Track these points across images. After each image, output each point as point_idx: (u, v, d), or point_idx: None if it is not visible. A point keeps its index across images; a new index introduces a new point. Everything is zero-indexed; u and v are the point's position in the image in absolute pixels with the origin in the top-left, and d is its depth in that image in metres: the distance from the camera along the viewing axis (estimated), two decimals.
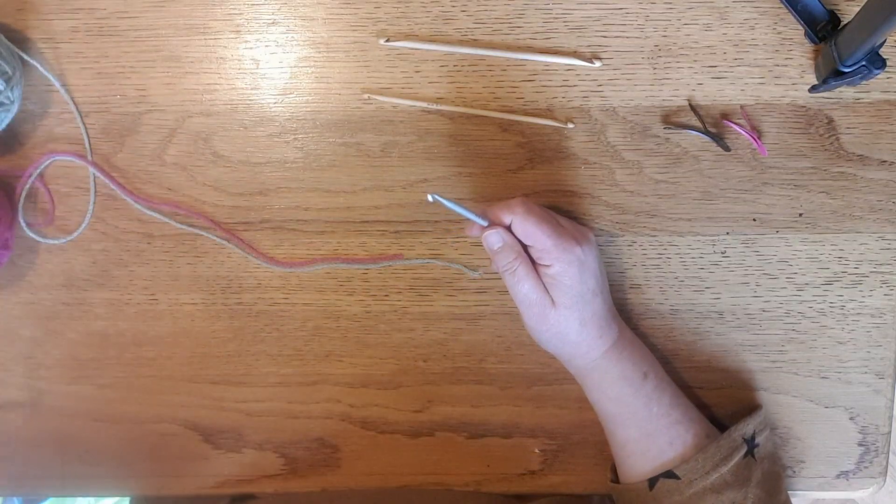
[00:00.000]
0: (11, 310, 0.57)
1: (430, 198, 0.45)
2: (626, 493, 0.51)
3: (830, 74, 0.48)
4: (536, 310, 0.48)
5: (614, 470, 0.54)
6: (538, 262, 0.47)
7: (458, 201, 0.46)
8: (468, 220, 0.48)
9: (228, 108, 0.53)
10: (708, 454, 0.48)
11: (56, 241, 0.56)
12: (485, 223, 0.48)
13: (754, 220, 0.54)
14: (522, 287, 0.47)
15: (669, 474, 0.48)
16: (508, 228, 0.47)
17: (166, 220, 0.55)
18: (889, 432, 0.57)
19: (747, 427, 0.50)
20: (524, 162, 0.53)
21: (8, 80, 0.49)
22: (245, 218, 0.55)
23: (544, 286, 0.47)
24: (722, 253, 0.54)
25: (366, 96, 0.53)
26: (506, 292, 0.55)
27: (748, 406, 0.56)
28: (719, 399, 0.56)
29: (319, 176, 0.54)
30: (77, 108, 0.54)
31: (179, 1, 0.52)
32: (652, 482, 0.48)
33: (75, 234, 0.56)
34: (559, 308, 0.47)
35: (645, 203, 0.54)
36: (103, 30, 0.53)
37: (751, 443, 0.50)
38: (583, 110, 0.52)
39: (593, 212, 0.54)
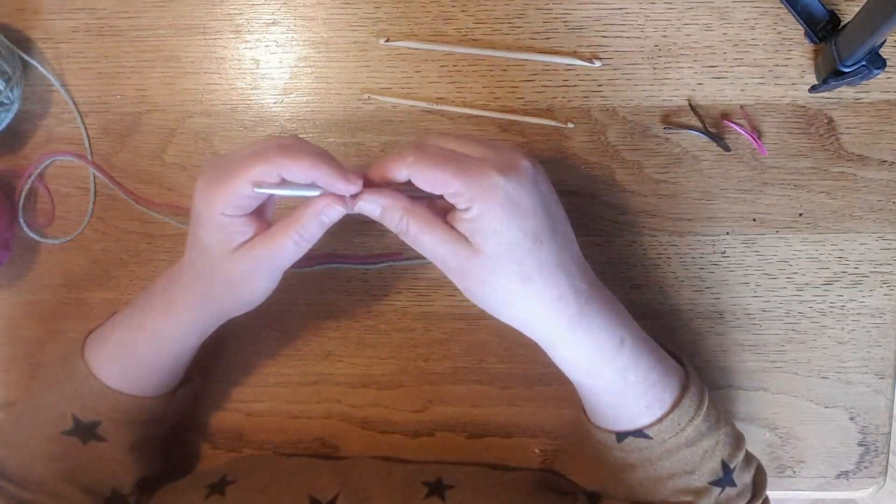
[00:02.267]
0: (11, 310, 0.57)
1: (255, 190, 0.39)
2: (594, 435, 0.48)
3: (830, 74, 0.48)
4: (453, 264, 0.39)
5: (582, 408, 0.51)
6: (457, 208, 0.39)
7: (288, 185, 0.39)
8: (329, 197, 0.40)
9: (228, 108, 0.53)
10: (683, 409, 0.44)
11: (56, 241, 0.56)
12: (352, 189, 0.39)
13: (754, 220, 0.54)
14: (424, 243, 0.39)
15: (640, 434, 0.45)
16: (408, 184, 0.39)
17: (166, 220, 0.55)
18: (889, 432, 0.57)
19: (693, 373, 0.48)
20: None
21: (8, 80, 0.49)
22: None
23: (458, 234, 0.39)
24: (722, 253, 0.54)
25: (366, 96, 0.53)
26: None
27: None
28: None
29: None
30: (77, 108, 0.54)
31: (179, 1, 0.52)
32: (620, 437, 0.46)
33: (75, 234, 0.56)
34: (483, 256, 0.38)
35: (645, 203, 0.54)
36: (103, 30, 0.53)
37: (702, 385, 0.47)
38: (583, 110, 0.52)
39: (593, 212, 0.54)
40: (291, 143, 0.39)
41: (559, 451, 0.58)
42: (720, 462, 0.45)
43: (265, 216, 0.43)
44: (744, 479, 0.46)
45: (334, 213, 0.40)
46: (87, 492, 0.49)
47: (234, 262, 0.41)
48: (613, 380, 0.44)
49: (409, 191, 0.40)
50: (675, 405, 0.45)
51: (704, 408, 0.45)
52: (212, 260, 0.42)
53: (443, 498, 0.49)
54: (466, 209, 0.38)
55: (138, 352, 0.47)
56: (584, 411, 0.50)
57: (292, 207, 0.41)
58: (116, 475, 0.50)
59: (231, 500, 0.49)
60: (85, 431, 0.48)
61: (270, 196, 0.43)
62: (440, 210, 0.40)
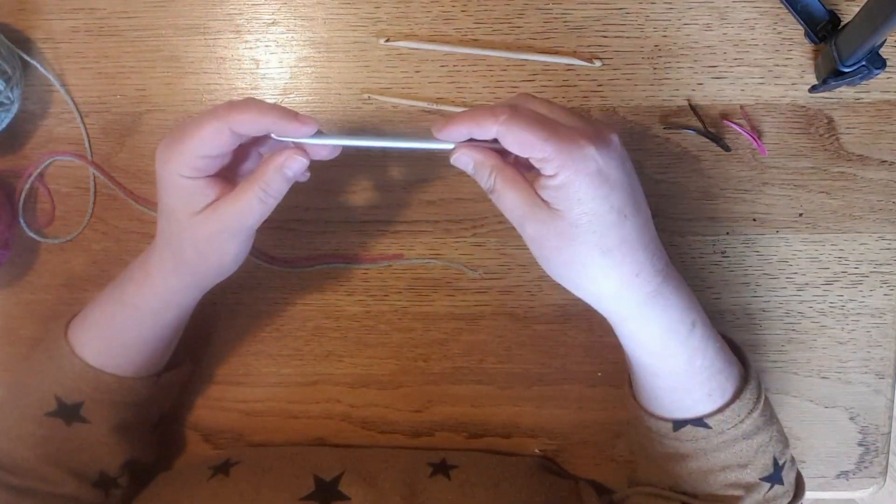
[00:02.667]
0: (11, 310, 0.57)
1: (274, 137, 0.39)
2: (646, 420, 0.47)
3: (830, 74, 0.48)
4: (531, 229, 0.38)
5: (631, 383, 0.49)
6: (542, 174, 0.38)
7: (416, 137, 0.40)
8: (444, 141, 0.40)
9: None
10: (744, 400, 0.44)
11: (56, 241, 0.56)
12: (451, 146, 0.40)
13: (754, 220, 0.54)
14: (508, 202, 0.39)
15: (700, 423, 0.44)
16: (494, 141, 0.38)
17: None
18: (889, 432, 0.57)
19: (753, 366, 0.47)
20: None
21: (8, 80, 0.49)
22: None
23: (538, 198, 0.38)
24: (722, 253, 0.54)
25: (366, 96, 0.53)
26: (506, 292, 0.55)
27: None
28: None
29: (319, 176, 0.54)
30: (77, 108, 0.54)
31: (179, 1, 0.52)
32: (677, 425, 0.45)
33: (75, 234, 0.56)
34: (564, 223, 0.37)
35: None
36: (103, 30, 0.53)
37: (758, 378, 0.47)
38: (583, 110, 0.52)
39: None
40: (243, 100, 0.39)
41: (559, 451, 0.58)
42: (772, 458, 0.45)
43: (233, 179, 0.43)
44: (790, 477, 0.47)
45: (297, 164, 0.40)
46: (74, 474, 0.48)
47: (200, 225, 0.41)
48: (681, 363, 0.43)
49: (494, 147, 0.39)
50: (737, 396, 0.44)
51: (762, 401, 0.45)
52: (178, 224, 0.41)
53: (448, 477, 0.50)
54: (553, 175, 0.37)
55: (118, 326, 0.47)
56: (635, 397, 0.49)
57: None
58: (103, 457, 0.50)
59: (236, 479, 0.48)
60: (68, 413, 0.48)
61: (244, 161, 0.43)
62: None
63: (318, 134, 0.40)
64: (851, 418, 0.57)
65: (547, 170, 0.37)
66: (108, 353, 0.48)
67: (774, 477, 0.45)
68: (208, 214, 0.40)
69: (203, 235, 0.41)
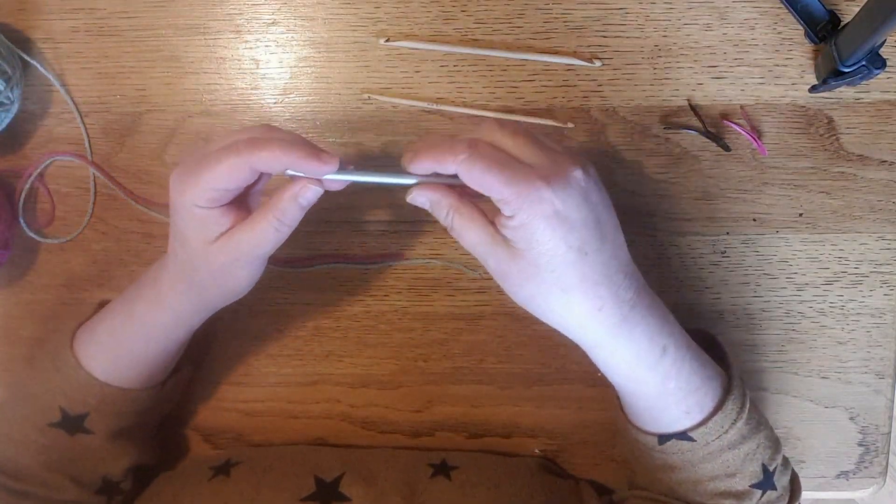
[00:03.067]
0: (11, 310, 0.57)
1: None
2: (633, 436, 0.47)
3: (830, 74, 0.48)
4: (493, 264, 0.40)
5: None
6: (502, 213, 0.39)
7: (370, 170, 0.41)
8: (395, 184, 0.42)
9: (228, 108, 0.53)
10: (726, 412, 0.44)
11: (56, 241, 0.56)
12: (412, 181, 0.41)
13: (754, 220, 0.54)
14: (467, 240, 0.40)
15: (684, 436, 0.44)
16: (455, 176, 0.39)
17: (166, 220, 0.55)
18: (889, 432, 0.57)
19: (736, 371, 0.47)
20: None
21: (8, 80, 0.49)
22: None
23: (501, 237, 0.39)
24: (722, 253, 0.54)
25: (366, 96, 0.53)
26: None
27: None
28: None
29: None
30: (77, 108, 0.54)
31: (179, 1, 0.52)
32: (662, 439, 0.45)
33: (75, 234, 0.56)
34: (524, 262, 0.38)
35: (645, 203, 0.54)
36: (103, 30, 0.53)
37: (743, 385, 0.47)
38: (583, 110, 0.52)
39: None
40: (261, 134, 0.39)
41: (559, 451, 0.58)
42: (761, 465, 0.45)
43: (246, 206, 0.43)
44: (783, 481, 0.46)
45: (311, 194, 0.40)
46: (75, 481, 0.48)
47: (215, 254, 0.41)
48: (652, 387, 0.43)
49: (455, 182, 0.40)
50: (718, 409, 0.44)
51: (746, 411, 0.45)
52: (193, 251, 0.41)
53: (448, 478, 0.50)
54: (511, 217, 0.38)
55: (127, 341, 0.47)
56: (623, 410, 0.49)
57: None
58: (106, 464, 0.50)
59: (236, 479, 0.48)
60: (72, 424, 0.48)
61: (255, 185, 0.43)
62: (487, 209, 0.40)
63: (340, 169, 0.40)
64: (851, 418, 0.57)
65: (505, 210, 0.38)
66: (116, 367, 0.48)
67: (765, 483, 0.45)
68: (223, 243, 0.41)
69: (218, 263, 0.41)
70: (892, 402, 0.57)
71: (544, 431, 0.57)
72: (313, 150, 0.39)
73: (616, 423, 0.51)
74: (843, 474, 0.58)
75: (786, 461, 0.48)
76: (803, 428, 0.57)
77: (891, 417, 0.57)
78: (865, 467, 0.58)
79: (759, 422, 0.47)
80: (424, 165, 0.40)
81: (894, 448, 0.59)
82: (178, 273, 0.44)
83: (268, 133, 0.40)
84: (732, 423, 0.44)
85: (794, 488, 0.48)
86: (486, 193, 0.38)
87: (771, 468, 0.45)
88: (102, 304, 0.51)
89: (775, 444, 0.47)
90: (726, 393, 0.45)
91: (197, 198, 0.39)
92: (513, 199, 0.37)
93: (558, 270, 0.38)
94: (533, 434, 0.58)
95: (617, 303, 0.40)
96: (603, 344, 0.42)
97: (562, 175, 0.38)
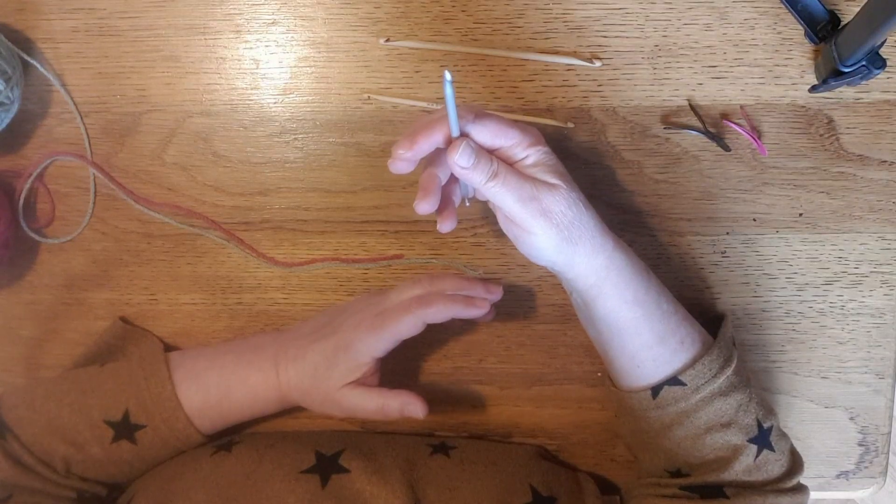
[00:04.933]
0: (11, 310, 0.57)
1: (447, 75, 0.38)
2: (627, 400, 0.49)
3: (830, 74, 0.48)
4: (537, 204, 0.42)
5: (611, 378, 0.52)
6: (513, 159, 0.43)
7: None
8: (397, 146, 0.42)
9: (228, 108, 0.53)
10: (713, 356, 0.46)
11: (56, 241, 0.56)
12: (457, 133, 0.41)
13: (754, 220, 0.54)
14: (513, 182, 0.41)
15: (675, 381, 0.46)
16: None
17: (166, 220, 0.55)
18: (889, 432, 0.57)
19: (729, 328, 0.50)
20: None
21: (8, 80, 0.49)
22: (245, 218, 0.55)
23: (527, 174, 0.43)
24: (722, 253, 0.54)
25: (366, 96, 0.53)
26: (506, 292, 0.55)
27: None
28: None
29: (319, 176, 0.54)
30: (77, 108, 0.54)
31: (179, 1, 0.52)
32: (656, 390, 0.46)
33: (75, 234, 0.56)
34: (560, 188, 0.42)
35: (645, 203, 0.54)
36: (103, 30, 0.53)
37: (734, 343, 0.50)
38: (583, 110, 0.52)
39: None
40: (428, 290, 0.48)
41: (559, 451, 0.58)
42: (755, 419, 0.46)
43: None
44: (781, 446, 0.47)
45: (416, 411, 0.49)
46: (80, 481, 0.49)
47: (340, 394, 0.49)
48: (652, 307, 0.46)
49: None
50: (706, 351, 0.46)
51: (735, 362, 0.47)
52: (326, 385, 0.49)
53: (447, 455, 0.51)
54: (526, 156, 0.43)
55: (229, 399, 0.51)
56: (615, 384, 0.50)
57: None
58: (123, 476, 0.51)
59: (238, 454, 0.49)
60: (125, 429, 0.49)
61: None
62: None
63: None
64: (851, 418, 0.57)
65: (518, 153, 0.43)
66: (203, 411, 0.50)
67: (761, 440, 0.46)
68: (345, 394, 0.49)
69: (332, 399, 0.49)
70: (892, 402, 0.57)
71: (544, 431, 0.57)
72: (470, 300, 0.47)
73: (614, 404, 0.52)
74: (843, 474, 0.58)
75: (783, 432, 0.48)
76: (803, 428, 0.57)
77: (891, 417, 0.57)
78: (865, 467, 0.58)
79: (750, 381, 0.48)
80: (435, 137, 0.41)
81: (894, 448, 0.59)
82: (298, 384, 0.50)
83: (432, 286, 0.48)
84: (722, 368, 0.46)
85: (795, 461, 0.48)
86: (501, 140, 0.42)
87: (766, 426, 0.46)
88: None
89: (768, 406, 0.48)
90: (713, 341, 0.48)
91: (374, 349, 0.47)
92: (524, 138, 0.42)
93: (576, 186, 0.44)
94: (533, 434, 0.58)
95: (607, 228, 0.46)
96: (614, 260, 0.45)
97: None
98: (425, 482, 0.47)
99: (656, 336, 0.46)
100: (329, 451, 0.49)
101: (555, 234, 0.42)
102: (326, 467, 0.48)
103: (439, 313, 0.46)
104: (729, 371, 0.46)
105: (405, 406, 0.48)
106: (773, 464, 0.46)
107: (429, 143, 0.41)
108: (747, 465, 0.45)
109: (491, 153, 0.42)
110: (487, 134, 0.41)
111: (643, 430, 0.49)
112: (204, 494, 0.46)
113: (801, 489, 0.47)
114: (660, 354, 0.46)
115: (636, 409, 0.48)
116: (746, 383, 0.47)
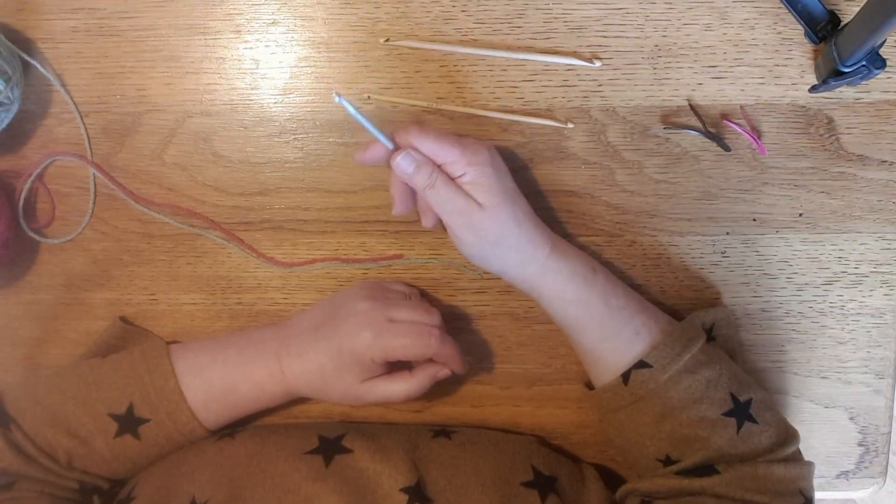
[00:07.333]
0: (11, 310, 0.57)
1: (336, 97, 0.43)
2: (603, 396, 0.50)
3: (830, 74, 0.48)
4: (465, 219, 0.46)
5: (590, 385, 0.53)
6: (453, 175, 0.46)
7: (367, 116, 0.45)
8: (373, 140, 0.46)
9: (228, 108, 0.53)
10: (675, 336, 0.47)
11: (56, 241, 0.56)
12: (391, 146, 0.46)
13: (754, 220, 0.54)
14: (445, 194, 0.46)
15: (641, 364, 0.47)
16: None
17: (166, 220, 0.55)
18: (889, 432, 0.57)
19: (707, 316, 0.52)
20: (524, 162, 0.53)
21: (8, 80, 0.49)
22: (245, 218, 0.55)
23: (466, 193, 0.46)
24: (722, 253, 0.54)
25: (366, 96, 0.53)
26: (506, 292, 0.55)
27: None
28: None
29: (319, 176, 0.54)
30: (77, 108, 0.54)
31: (179, 1, 0.52)
32: (625, 376, 0.48)
33: (75, 234, 0.56)
34: (488, 209, 0.46)
35: (645, 203, 0.54)
36: (103, 30, 0.53)
37: (709, 333, 0.50)
38: (583, 110, 0.52)
39: (593, 212, 0.54)
40: (440, 336, 0.49)
41: (559, 451, 0.58)
42: (728, 393, 0.46)
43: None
44: (766, 417, 0.46)
45: (446, 374, 0.51)
46: (83, 484, 0.49)
47: (359, 390, 0.50)
48: (597, 306, 0.48)
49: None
50: (667, 334, 0.48)
51: (701, 342, 0.48)
52: (342, 383, 0.49)
53: (449, 438, 0.51)
54: (464, 174, 0.46)
55: (235, 394, 0.51)
56: (588, 386, 0.52)
57: None
58: (125, 472, 0.50)
59: (242, 439, 0.50)
60: (129, 423, 0.49)
61: None
62: None
63: None
64: (851, 418, 0.57)
65: (457, 170, 0.46)
66: (207, 405, 0.50)
67: (738, 412, 0.46)
68: (369, 387, 0.50)
69: (353, 395, 0.50)
70: (892, 402, 0.57)
71: (544, 431, 0.57)
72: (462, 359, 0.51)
73: (595, 407, 0.52)
74: (843, 474, 0.58)
75: (770, 404, 0.48)
76: (803, 428, 0.57)
77: (891, 417, 0.57)
78: (865, 467, 0.58)
79: (723, 360, 0.48)
80: (378, 153, 0.47)
81: (894, 448, 0.59)
82: (310, 382, 0.50)
83: (443, 336, 0.49)
84: (685, 347, 0.47)
85: (786, 431, 0.47)
86: (442, 155, 0.46)
87: (742, 399, 0.46)
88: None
89: (747, 382, 0.48)
90: (673, 324, 0.50)
91: (382, 357, 0.48)
92: (463, 156, 0.45)
93: (510, 205, 0.47)
94: (533, 434, 0.57)
95: (547, 232, 0.50)
96: (549, 267, 0.48)
97: (483, 146, 0.47)
98: (428, 461, 0.48)
99: (607, 331, 0.49)
100: (332, 434, 0.50)
101: (478, 249, 0.47)
102: (330, 448, 0.48)
103: (447, 358, 0.50)
104: (694, 349, 0.47)
105: (437, 374, 0.50)
106: (759, 435, 0.46)
107: (373, 153, 0.47)
108: (729, 437, 0.45)
109: (437, 166, 0.46)
110: (427, 147, 0.46)
111: (625, 424, 0.49)
112: (209, 475, 0.46)
113: (796, 459, 0.46)
114: (615, 346, 0.48)
115: (613, 406, 0.49)
116: (717, 361, 0.48)
